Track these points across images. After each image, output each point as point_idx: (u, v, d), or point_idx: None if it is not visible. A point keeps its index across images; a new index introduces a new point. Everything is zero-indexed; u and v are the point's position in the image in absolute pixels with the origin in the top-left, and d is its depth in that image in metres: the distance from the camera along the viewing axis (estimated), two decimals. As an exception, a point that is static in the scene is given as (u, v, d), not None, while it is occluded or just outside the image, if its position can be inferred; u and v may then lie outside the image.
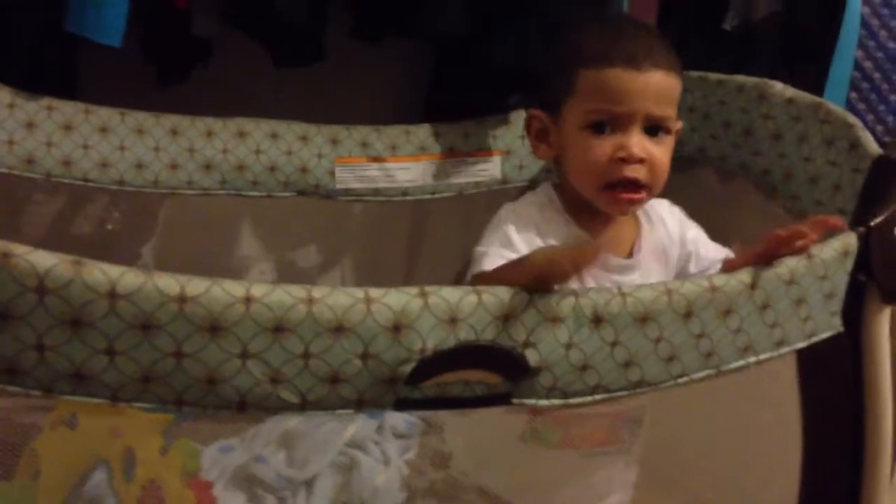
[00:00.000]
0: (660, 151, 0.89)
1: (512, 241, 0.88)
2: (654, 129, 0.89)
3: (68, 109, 1.06)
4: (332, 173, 1.18)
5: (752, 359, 0.74)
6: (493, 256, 0.84)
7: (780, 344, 0.75)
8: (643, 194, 0.89)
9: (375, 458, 1.03)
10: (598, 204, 0.90)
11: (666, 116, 0.90)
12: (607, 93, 0.88)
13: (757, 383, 0.79)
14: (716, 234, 0.99)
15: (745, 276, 0.72)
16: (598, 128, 0.88)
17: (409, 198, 1.22)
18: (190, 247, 1.19)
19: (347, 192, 1.19)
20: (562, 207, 0.93)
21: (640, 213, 0.97)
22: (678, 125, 0.93)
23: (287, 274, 1.26)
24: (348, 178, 1.18)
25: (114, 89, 1.14)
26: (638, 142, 0.87)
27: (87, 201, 1.11)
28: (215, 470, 0.93)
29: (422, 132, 1.22)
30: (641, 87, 0.88)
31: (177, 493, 0.75)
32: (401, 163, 1.20)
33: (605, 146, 0.88)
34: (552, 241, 0.89)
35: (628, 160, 0.87)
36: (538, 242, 0.88)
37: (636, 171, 0.87)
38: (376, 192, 1.20)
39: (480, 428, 0.74)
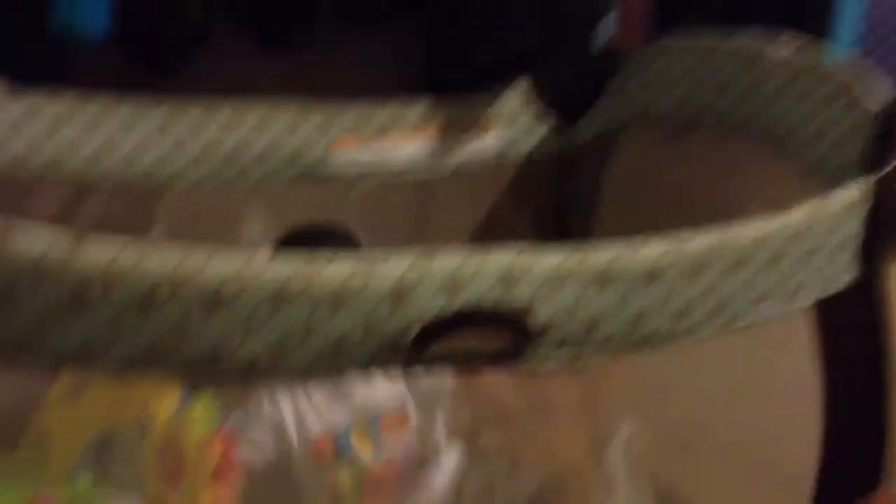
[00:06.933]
0: None
1: None
2: None
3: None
4: (326, 157, 1.16)
5: (766, 313, 0.72)
6: None
7: (793, 297, 0.74)
8: None
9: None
10: None
11: None
12: None
13: (771, 340, 0.77)
14: (721, 203, 0.98)
15: (750, 231, 0.71)
16: None
17: (408, 177, 1.21)
18: (187, 239, 1.18)
19: (344, 175, 1.18)
20: None
21: None
22: None
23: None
24: (343, 160, 1.17)
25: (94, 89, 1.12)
26: None
27: (83, 199, 1.10)
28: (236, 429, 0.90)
29: (417, 110, 1.20)
30: None
31: (194, 456, 0.73)
32: (397, 142, 1.19)
33: None
34: None
35: None
36: None
37: None
38: (374, 174, 1.19)
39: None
